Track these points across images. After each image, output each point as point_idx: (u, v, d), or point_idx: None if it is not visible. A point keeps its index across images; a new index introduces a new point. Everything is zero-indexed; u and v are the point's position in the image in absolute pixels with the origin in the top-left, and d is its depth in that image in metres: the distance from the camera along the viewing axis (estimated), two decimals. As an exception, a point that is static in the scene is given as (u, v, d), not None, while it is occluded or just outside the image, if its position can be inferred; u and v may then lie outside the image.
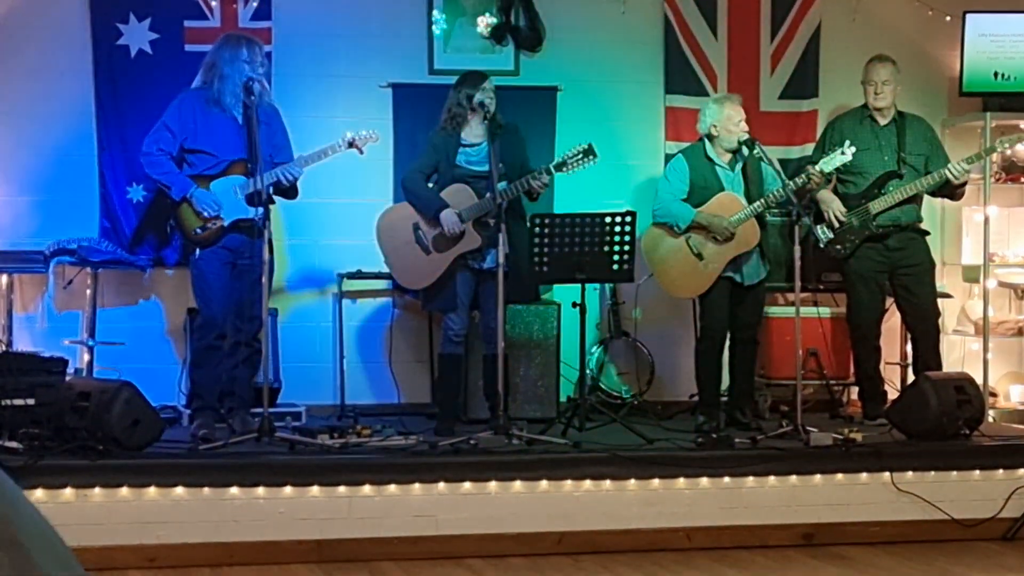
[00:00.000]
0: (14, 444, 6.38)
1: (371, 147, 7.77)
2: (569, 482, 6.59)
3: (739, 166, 7.67)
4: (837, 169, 7.63)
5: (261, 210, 6.87)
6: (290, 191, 7.27)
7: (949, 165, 7.73)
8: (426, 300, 7.67)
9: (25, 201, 8.12)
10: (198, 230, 7.16)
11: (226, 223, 7.14)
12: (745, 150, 7.56)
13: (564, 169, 7.28)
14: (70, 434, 6.40)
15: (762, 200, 7.51)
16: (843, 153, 7.43)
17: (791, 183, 7.33)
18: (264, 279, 6.85)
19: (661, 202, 7.75)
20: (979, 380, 7.95)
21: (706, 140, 7.71)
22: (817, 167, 7.43)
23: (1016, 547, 6.85)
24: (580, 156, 7.25)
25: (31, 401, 6.60)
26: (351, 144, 7.24)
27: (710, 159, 7.67)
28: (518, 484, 6.55)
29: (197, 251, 7.21)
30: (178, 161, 7.21)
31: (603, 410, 7.75)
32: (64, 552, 0.91)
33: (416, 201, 7.44)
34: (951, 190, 7.89)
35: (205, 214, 7.11)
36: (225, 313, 7.20)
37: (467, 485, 6.52)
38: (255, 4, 8.29)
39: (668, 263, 7.76)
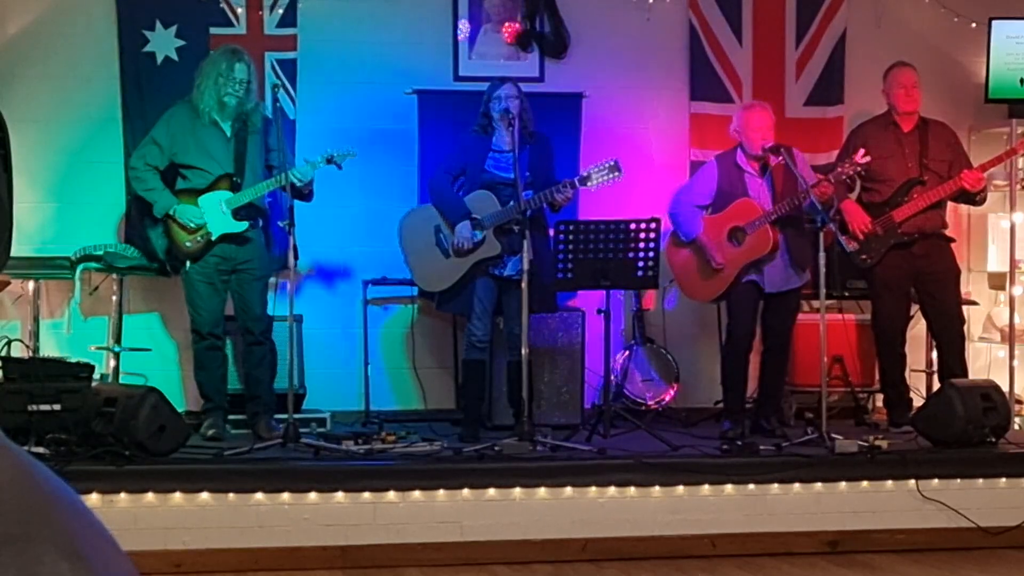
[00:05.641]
0: (41, 449, 6.41)
1: (397, 154, 7.88)
2: (593, 489, 6.59)
3: (768, 173, 7.62)
4: (860, 176, 7.60)
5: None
6: (303, 193, 7.31)
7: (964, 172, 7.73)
8: (441, 301, 7.68)
9: (52, 207, 8.16)
10: (188, 243, 7.30)
11: (213, 237, 7.30)
12: (769, 158, 7.51)
13: (588, 184, 7.31)
14: (96, 440, 6.43)
15: (777, 207, 7.48)
16: (853, 162, 7.40)
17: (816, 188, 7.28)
18: (289, 286, 6.92)
19: (676, 205, 7.77)
20: (1005, 387, 7.92)
21: (739, 146, 7.68)
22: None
23: (1043, 555, 6.82)
24: (605, 172, 7.28)
25: (57, 407, 6.64)
26: (329, 160, 7.31)
27: (739, 165, 7.65)
28: (543, 491, 6.56)
29: (187, 263, 7.33)
30: (170, 174, 7.35)
31: (628, 416, 7.75)
32: (128, 568, 0.92)
33: (440, 205, 7.46)
34: (969, 196, 7.87)
35: (190, 226, 7.24)
36: (214, 317, 7.40)
37: (491, 491, 6.52)
38: (280, 11, 8.31)
39: (687, 266, 7.77)
